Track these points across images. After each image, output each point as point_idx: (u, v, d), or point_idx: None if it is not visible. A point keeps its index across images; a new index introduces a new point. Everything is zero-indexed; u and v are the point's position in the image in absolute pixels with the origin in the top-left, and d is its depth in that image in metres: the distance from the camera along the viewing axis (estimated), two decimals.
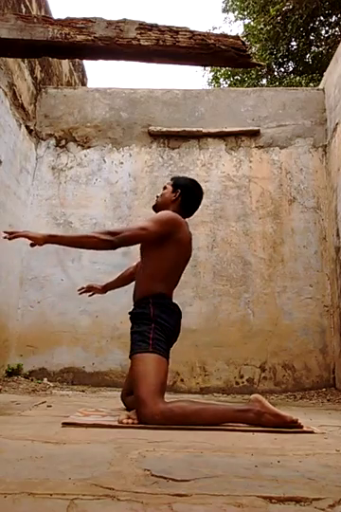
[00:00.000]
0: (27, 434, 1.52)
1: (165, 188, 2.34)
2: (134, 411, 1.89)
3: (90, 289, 2.61)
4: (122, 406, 2.33)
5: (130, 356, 2.00)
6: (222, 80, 10.18)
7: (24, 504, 0.83)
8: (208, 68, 10.21)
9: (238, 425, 1.78)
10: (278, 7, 8.25)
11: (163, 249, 2.08)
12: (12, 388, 3.32)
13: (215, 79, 10.26)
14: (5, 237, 1.95)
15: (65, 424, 1.76)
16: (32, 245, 1.95)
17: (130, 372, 2.20)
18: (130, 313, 2.18)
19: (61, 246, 2.07)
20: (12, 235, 1.93)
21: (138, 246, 2.26)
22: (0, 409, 2.24)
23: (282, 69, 9.72)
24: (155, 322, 1.99)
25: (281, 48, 8.93)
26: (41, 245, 1.94)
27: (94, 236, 1.96)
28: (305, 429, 1.78)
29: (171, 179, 2.39)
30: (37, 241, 1.92)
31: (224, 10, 10.70)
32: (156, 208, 2.31)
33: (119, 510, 0.82)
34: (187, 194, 2.26)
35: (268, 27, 8.45)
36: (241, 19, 10.48)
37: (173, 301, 2.17)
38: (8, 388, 3.29)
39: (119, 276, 2.63)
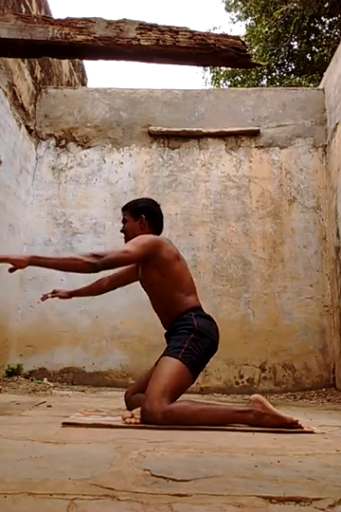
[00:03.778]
0: (27, 434, 1.52)
1: (125, 221, 2.28)
2: (138, 409, 1.89)
3: (53, 293, 2.46)
4: (123, 406, 2.33)
5: (159, 357, 2.02)
6: (221, 81, 10.18)
7: (24, 504, 0.83)
8: (208, 68, 10.22)
9: (238, 425, 1.78)
10: (282, 9, 8.21)
11: (166, 270, 2.09)
12: (12, 388, 3.32)
13: (215, 80, 10.27)
14: None
15: (65, 424, 1.76)
16: (12, 269, 1.87)
17: (148, 372, 2.22)
18: (167, 333, 2.18)
19: (45, 267, 1.97)
20: None
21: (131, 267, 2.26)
22: (0, 409, 2.24)
23: (283, 69, 9.73)
24: (197, 333, 1.99)
25: (283, 49, 8.92)
26: (23, 267, 1.86)
27: (77, 258, 1.94)
28: (305, 429, 1.78)
29: (125, 209, 2.32)
30: (19, 263, 1.84)
31: (227, 10, 10.73)
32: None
33: (119, 510, 0.82)
34: (150, 215, 2.25)
35: (272, 31, 8.44)
36: (241, 19, 10.49)
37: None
38: (9, 388, 3.29)
39: (91, 284, 2.50)
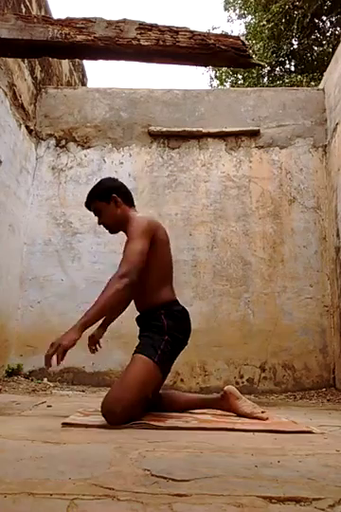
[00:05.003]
0: (27, 434, 1.52)
1: (98, 212, 2.17)
2: None
3: (97, 341, 2.35)
4: None
5: (134, 353, 1.97)
6: (223, 76, 10.22)
7: (24, 504, 0.83)
8: (209, 67, 10.26)
9: (236, 424, 1.79)
10: (280, 3, 8.19)
11: (153, 254, 2.02)
12: (12, 388, 3.32)
13: (219, 78, 10.30)
14: (48, 368, 1.80)
15: (65, 424, 1.76)
16: (48, 361, 1.78)
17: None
18: (138, 319, 2.17)
19: (95, 322, 1.88)
20: (52, 359, 1.74)
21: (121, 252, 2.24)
22: (0, 409, 2.24)
23: (283, 68, 9.74)
24: (169, 335, 1.97)
25: (285, 47, 8.90)
26: (78, 339, 1.78)
27: (113, 294, 1.83)
28: (304, 429, 1.78)
29: (90, 202, 2.17)
30: (75, 341, 1.76)
31: (226, 9, 10.74)
32: (113, 230, 2.22)
33: (119, 510, 0.82)
34: (119, 191, 2.17)
35: (270, 25, 8.42)
36: (241, 17, 10.50)
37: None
38: (9, 388, 3.29)
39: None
